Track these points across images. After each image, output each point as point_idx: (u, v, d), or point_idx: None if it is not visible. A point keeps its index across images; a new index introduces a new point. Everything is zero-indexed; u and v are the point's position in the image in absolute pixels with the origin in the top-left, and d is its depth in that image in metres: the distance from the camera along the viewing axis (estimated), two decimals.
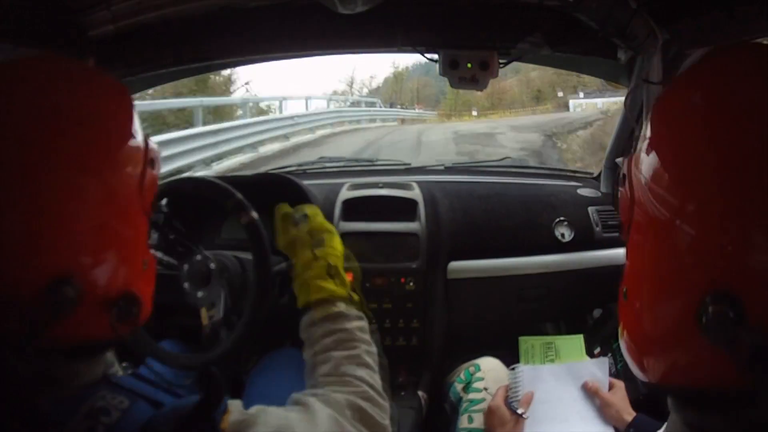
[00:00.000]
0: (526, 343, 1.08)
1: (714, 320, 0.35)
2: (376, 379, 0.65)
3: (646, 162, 0.42)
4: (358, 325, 0.69)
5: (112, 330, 0.46)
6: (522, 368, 0.97)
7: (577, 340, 1.09)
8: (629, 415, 0.87)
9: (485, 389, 1.00)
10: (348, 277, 0.74)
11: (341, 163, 1.68)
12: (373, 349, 0.69)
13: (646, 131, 0.43)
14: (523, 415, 0.87)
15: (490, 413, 0.89)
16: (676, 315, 0.39)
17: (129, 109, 0.52)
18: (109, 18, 0.89)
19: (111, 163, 0.48)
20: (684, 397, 0.42)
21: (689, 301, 0.37)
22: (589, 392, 0.93)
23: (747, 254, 0.35)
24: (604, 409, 0.90)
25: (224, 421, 0.47)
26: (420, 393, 1.20)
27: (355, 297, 0.73)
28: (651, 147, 0.42)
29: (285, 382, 0.79)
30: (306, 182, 1.29)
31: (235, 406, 0.50)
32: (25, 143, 0.43)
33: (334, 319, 0.69)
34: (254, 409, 0.51)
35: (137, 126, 0.52)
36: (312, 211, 0.79)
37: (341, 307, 0.70)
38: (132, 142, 0.50)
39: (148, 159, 0.52)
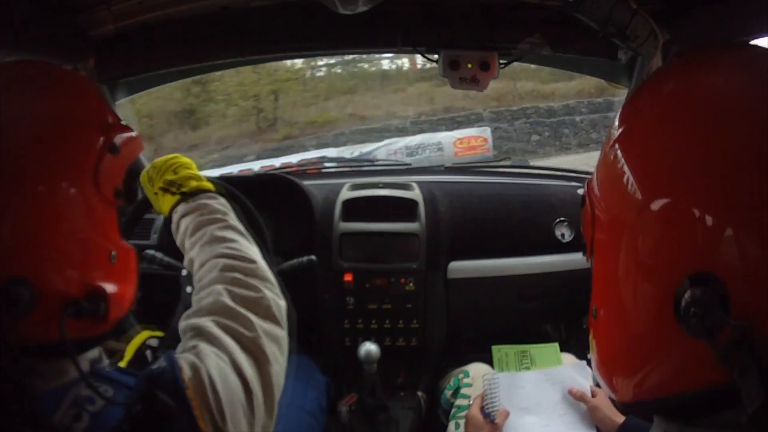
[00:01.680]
0: (499, 351, 1.08)
1: (692, 304, 0.34)
2: (235, 247, 0.62)
3: (609, 167, 0.42)
4: (200, 212, 0.67)
5: (63, 327, 0.45)
6: (498, 375, 0.97)
7: (552, 349, 1.09)
8: (619, 417, 0.86)
9: (472, 396, 0.99)
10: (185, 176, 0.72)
11: (341, 163, 1.68)
12: (227, 222, 0.66)
13: (612, 135, 0.43)
14: (495, 421, 0.87)
15: (467, 422, 0.89)
16: (651, 314, 0.38)
17: (78, 93, 0.51)
18: (109, 18, 0.89)
19: (51, 154, 0.46)
20: (663, 410, 0.41)
21: (666, 292, 0.36)
22: (575, 398, 0.92)
23: (729, 237, 0.34)
24: (592, 413, 0.89)
25: (183, 377, 0.47)
26: (419, 393, 1.20)
27: (201, 185, 0.72)
28: (616, 148, 0.42)
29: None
30: (306, 182, 1.29)
31: (184, 359, 0.49)
32: None
33: (181, 221, 0.69)
34: (197, 358, 0.49)
35: (90, 111, 0.51)
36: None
37: (181, 207, 0.69)
38: (79, 129, 0.49)
39: (106, 144, 0.50)
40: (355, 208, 1.27)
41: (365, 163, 1.68)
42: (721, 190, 0.35)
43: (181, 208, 0.69)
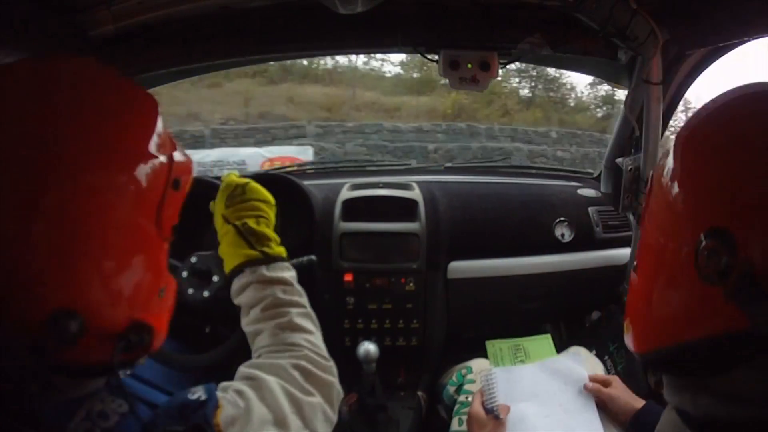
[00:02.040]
0: (493, 346, 1.09)
1: (706, 254, 0.39)
2: (313, 341, 0.63)
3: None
4: (283, 288, 0.66)
5: (114, 361, 0.44)
6: (494, 371, 0.97)
7: (546, 340, 1.10)
8: (637, 402, 0.86)
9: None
10: (265, 234, 0.69)
11: (341, 163, 1.68)
12: (306, 309, 0.66)
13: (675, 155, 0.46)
14: (499, 416, 0.87)
15: (469, 419, 0.89)
16: (676, 265, 0.43)
17: (149, 122, 0.47)
18: (109, 18, 0.88)
19: (121, 184, 0.43)
20: (677, 361, 0.45)
21: (688, 248, 0.41)
22: (591, 392, 0.92)
23: (737, 198, 0.40)
24: (610, 404, 0.89)
25: (216, 416, 0.47)
26: (419, 393, 1.20)
27: (278, 252, 0.69)
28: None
29: None
30: (306, 182, 1.29)
31: (226, 400, 0.50)
32: (24, 161, 0.40)
33: (256, 286, 0.66)
34: (241, 402, 0.51)
35: (160, 141, 0.47)
36: (224, 176, 0.75)
37: (261, 270, 0.66)
38: (150, 160, 0.46)
39: (171, 179, 0.47)
40: (355, 208, 1.27)
41: (365, 163, 1.67)
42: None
43: (262, 273, 0.66)
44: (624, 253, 1.30)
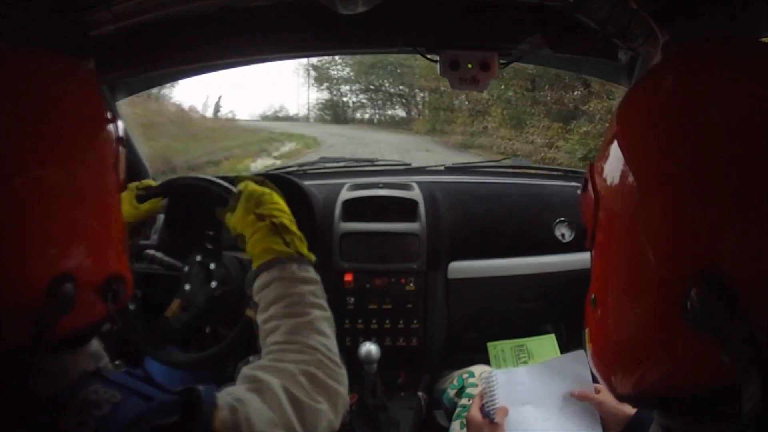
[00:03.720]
0: (495, 348, 1.07)
1: (699, 302, 0.33)
2: (329, 346, 0.62)
3: (613, 160, 0.41)
4: (311, 288, 0.65)
5: (110, 313, 0.48)
6: (494, 373, 0.95)
7: (549, 340, 1.07)
8: (629, 408, 0.84)
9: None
10: (298, 236, 0.70)
11: (341, 164, 1.68)
12: (328, 313, 0.65)
13: (612, 130, 0.43)
14: (494, 420, 0.86)
15: (467, 423, 0.89)
16: (655, 308, 0.37)
17: (96, 89, 0.52)
18: (109, 18, 0.88)
19: (93, 151, 0.49)
20: (664, 406, 0.41)
21: (670, 288, 0.35)
22: (580, 398, 0.90)
23: (735, 231, 0.34)
24: (599, 409, 0.88)
25: (215, 418, 0.47)
26: (420, 393, 1.20)
27: (309, 256, 0.69)
28: (619, 143, 0.42)
29: None
30: (306, 182, 1.29)
31: (224, 400, 0.49)
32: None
33: (284, 282, 0.65)
34: (239, 405, 0.50)
35: (101, 101, 0.52)
36: (242, 184, 0.76)
37: (292, 268, 0.66)
38: (109, 123, 0.51)
39: (118, 137, 0.52)
40: (355, 209, 1.27)
41: (365, 163, 1.67)
42: (725, 183, 0.35)
43: (293, 270, 0.66)
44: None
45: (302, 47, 1.15)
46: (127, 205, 0.79)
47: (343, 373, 0.61)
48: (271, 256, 0.67)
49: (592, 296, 0.44)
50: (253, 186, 0.75)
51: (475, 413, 0.88)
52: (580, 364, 0.96)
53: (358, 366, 1.09)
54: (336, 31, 1.05)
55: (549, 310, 1.38)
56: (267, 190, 0.74)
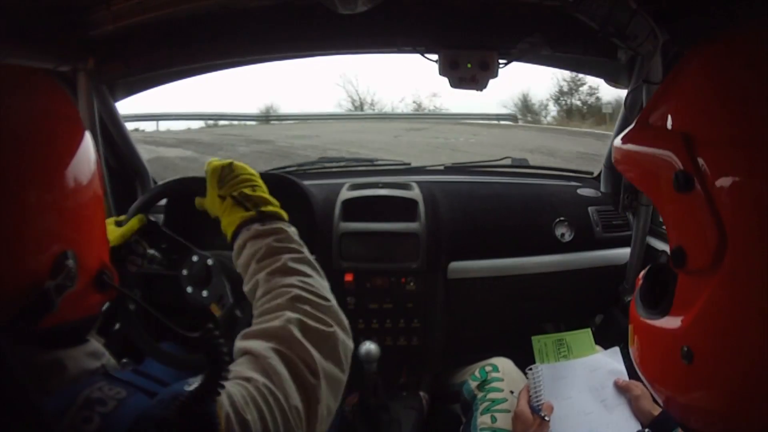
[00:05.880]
0: (539, 342, 1.07)
1: None
2: (310, 282, 0.61)
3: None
4: (277, 237, 0.66)
5: (103, 299, 0.50)
6: (540, 367, 0.98)
7: (586, 334, 1.08)
8: (655, 409, 0.87)
9: (512, 392, 1.00)
10: (260, 198, 0.70)
11: (341, 163, 1.68)
12: (303, 255, 0.65)
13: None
14: (545, 418, 0.88)
15: (515, 418, 0.90)
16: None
17: (71, 104, 0.55)
18: (109, 18, 0.89)
19: (91, 158, 0.52)
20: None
21: None
22: (621, 389, 0.93)
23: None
24: (636, 402, 0.90)
25: (219, 416, 0.46)
26: (421, 393, 1.20)
27: (274, 210, 0.70)
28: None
29: None
30: (306, 182, 1.29)
31: (226, 392, 0.48)
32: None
33: (250, 243, 0.66)
34: (241, 400, 0.49)
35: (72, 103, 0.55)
36: (206, 165, 0.76)
37: (254, 227, 0.67)
38: (87, 139, 0.53)
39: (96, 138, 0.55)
40: (355, 208, 1.27)
41: (365, 163, 1.67)
42: None
43: (256, 228, 0.67)
44: (624, 252, 1.30)
45: (302, 47, 1.15)
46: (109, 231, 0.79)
47: (331, 306, 0.60)
48: (234, 225, 0.68)
49: (684, 348, 0.34)
50: (214, 163, 0.76)
51: (525, 408, 0.89)
52: (616, 360, 0.99)
53: (359, 366, 1.09)
54: (335, 31, 1.05)
55: (549, 310, 1.39)
56: (227, 162, 0.75)
